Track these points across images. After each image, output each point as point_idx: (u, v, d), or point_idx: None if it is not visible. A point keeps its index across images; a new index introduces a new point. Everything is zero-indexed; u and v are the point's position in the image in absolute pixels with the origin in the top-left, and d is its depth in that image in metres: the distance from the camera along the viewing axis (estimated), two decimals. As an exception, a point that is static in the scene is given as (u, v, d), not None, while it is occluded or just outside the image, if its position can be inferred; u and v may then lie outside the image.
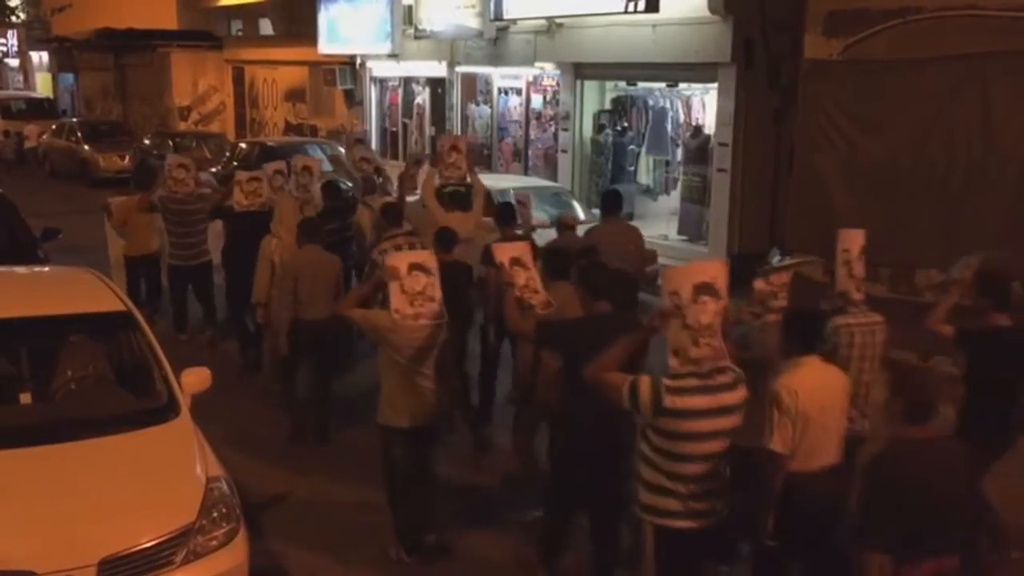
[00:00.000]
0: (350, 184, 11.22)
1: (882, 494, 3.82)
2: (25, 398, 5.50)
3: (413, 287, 5.43)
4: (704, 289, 4.12)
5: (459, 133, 20.04)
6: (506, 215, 7.87)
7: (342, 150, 16.88)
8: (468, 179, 9.01)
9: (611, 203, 8.35)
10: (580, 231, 8.45)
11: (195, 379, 5.53)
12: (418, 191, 9.65)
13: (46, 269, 8.05)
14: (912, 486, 3.79)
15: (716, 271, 4.23)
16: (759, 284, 5.79)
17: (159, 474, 4.89)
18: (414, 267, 5.47)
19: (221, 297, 9.82)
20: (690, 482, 4.21)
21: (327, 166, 14.23)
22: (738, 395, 4.22)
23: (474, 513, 6.48)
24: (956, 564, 3.90)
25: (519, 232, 7.90)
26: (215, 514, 4.72)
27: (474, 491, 6.84)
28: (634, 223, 14.01)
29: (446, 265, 6.06)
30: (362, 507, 6.60)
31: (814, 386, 4.48)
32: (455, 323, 6.03)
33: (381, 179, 10.61)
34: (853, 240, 5.81)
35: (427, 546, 5.86)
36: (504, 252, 5.83)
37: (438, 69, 20.38)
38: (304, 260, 7.40)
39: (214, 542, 4.65)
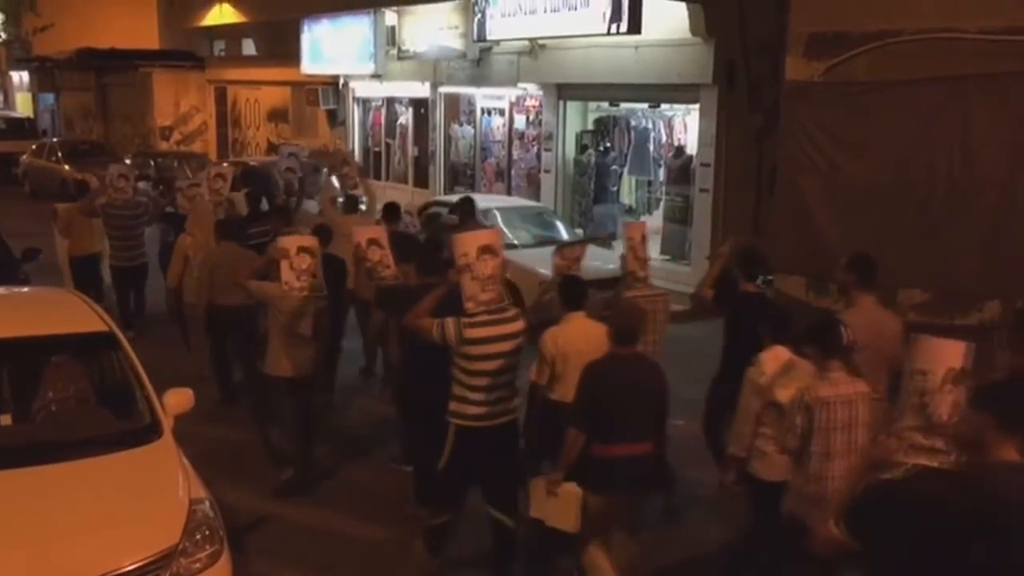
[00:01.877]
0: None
1: (586, 391, 5.16)
2: (5, 419, 5.44)
3: (300, 265, 6.85)
4: (486, 250, 5.48)
5: (442, 154, 20.14)
6: (390, 215, 9.08)
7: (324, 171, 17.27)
8: (360, 188, 10.96)
9: (468, 208, 9.76)
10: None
11: (178, 400, 5.47)
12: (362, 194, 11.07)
13: (27, 290, 7.99)
14: (607, 388, 5.11)
15: (493, 236, 5.76)
16: (556, 259, 7.22)
17: (141, 496, 4.83)
18: (302, 249, 6.88)
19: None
20: (483, 391, 5.46)
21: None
22: (518, 326, 5.56)
23: (350, 450, 7.83)
24: (647, 448, 5.19)
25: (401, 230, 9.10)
26: (198, 536, 4.67)
27: (350, 433, 8.24)
28: (617, 243, 14.13)
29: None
30: (346, 529, 6.57)
31: (573, 335, 5.69)
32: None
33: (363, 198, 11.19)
34: (636, 230, 7.21)
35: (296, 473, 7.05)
36: (362, 233, 7.41)
37: (421, 89, 20.45)
38: (221, 254, 8.41)
39: (197, 564, 4.58)
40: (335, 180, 11.63)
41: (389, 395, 8.08)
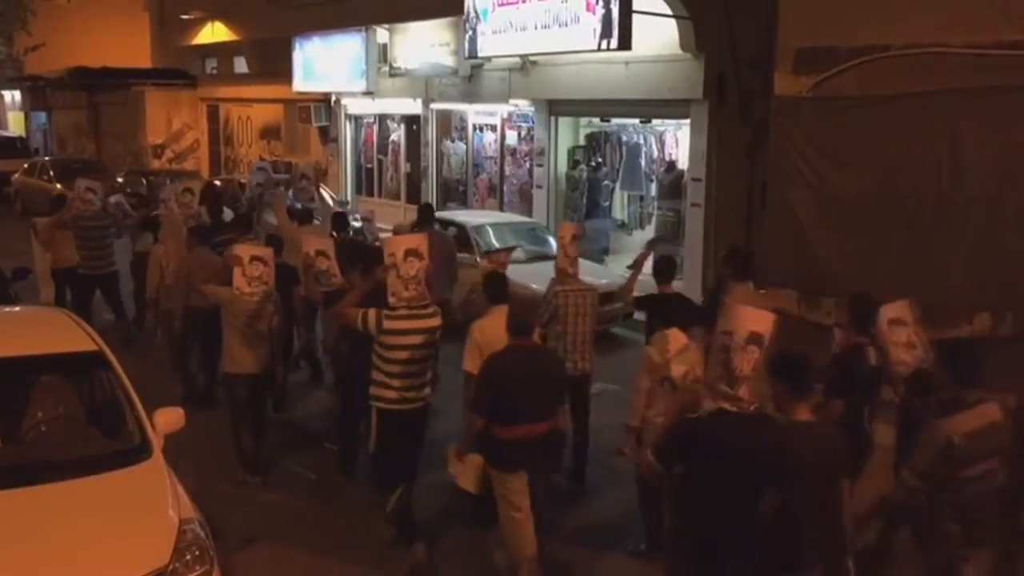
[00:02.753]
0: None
1: (484, 380, 5.63)
2: (-6, 440, 5.41)
3: (252, 272, 7.31)
4: (412, 252, 6.12)
5: (434, 170, 20.18)
6: (338, 223, 9.87)
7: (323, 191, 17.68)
8: (315, 200, 11.90)
9: (426, 215, 10.62)
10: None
11: (168, 419, 5.46)
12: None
13: (17, 309, 7.96)
14: (505, 376, 5.52)
15: (420, 241, 6.29)
16: (484, 262, 7.96)
17: (131, 517, 4.81)
18: (255, 258, 7.38)
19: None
20: (398, 378, 6.11)
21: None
22: (434, 322, 6.25)
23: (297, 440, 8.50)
24: (545, 429, 5.59)
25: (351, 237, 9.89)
26: (188, 556, 4.64)
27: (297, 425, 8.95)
28: (609, 258, 14.14)
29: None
30: (338, 548, 6.54)
31: (498, 325, 5.91)
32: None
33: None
34: (567, 230, 7.84)
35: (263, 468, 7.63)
36: (311, 244, 8.14)
37: (413, 106, 20.49)
38: (194, 259, 8.89)
39: (187, 585, 4.57)
40: (291, 193, 12.41)
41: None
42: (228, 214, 12.26)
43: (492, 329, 6.10)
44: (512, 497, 5.62)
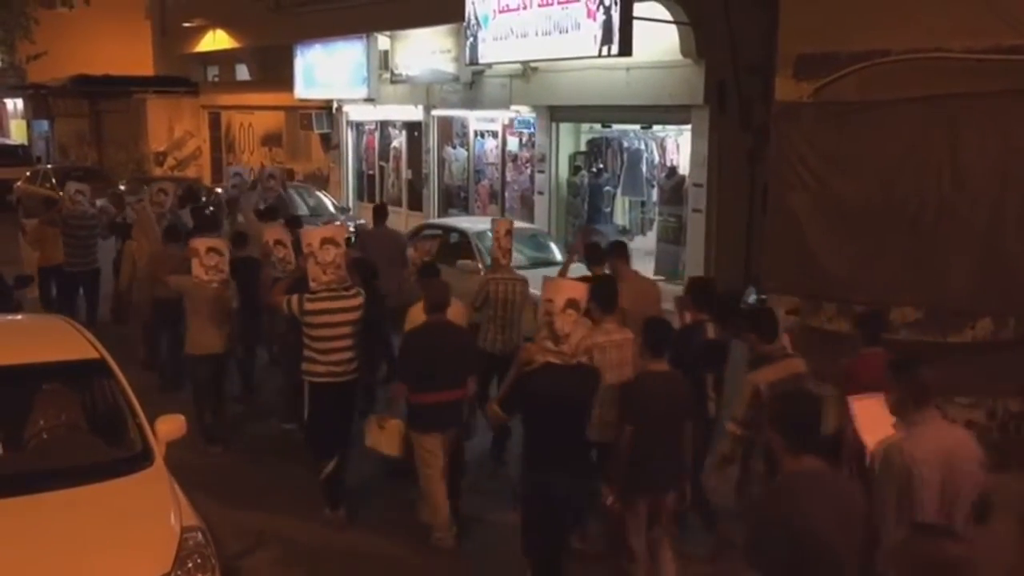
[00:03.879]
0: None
1: (404, 352, 6.53)
2: (-4, 448, 5.42)
3: (208, 262, 8.15)
4: (328, 241, 6.81)
5: (436, 176, 20.21)
6: (293, 223, 10.40)
7: (320, 194, 18.06)
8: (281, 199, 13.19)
9: (380, 214, 11.61)
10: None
11: (170, 427, 5.47)
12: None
13: (19, 317, 7.98)
14: (421, 349, 6.38)
15: (335, 231, 7.06)
16: (410, 252, 9.02)
17: (133, 524, 4.82)
18: (211, 249, 8.21)
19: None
20: (324, 353, 6.82)
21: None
22: (355, 302, 6.95)
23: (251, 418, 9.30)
24: (457, 395, 6.33)
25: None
26: (190, 564, 4.65)
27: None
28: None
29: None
30: (342, 555, 6.53)
31: (434, 328, 6.52)
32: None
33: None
34: (502, 226, 8.71)
35: (222, 438, 8.43)
36: (270, 234, 8.84)
37: (414, 113, 20.53)
38: (165, 256, 9.61)
39: (189, 593, 4.57)
40: (259, 192, 13.54)
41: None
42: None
43: (416, 313, 6.97)
44: (428, 456, 6.46)
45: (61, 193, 13.61)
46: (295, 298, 6.80)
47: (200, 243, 8.33)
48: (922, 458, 4.21)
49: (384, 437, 6.72)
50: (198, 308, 8.25)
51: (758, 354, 5.91)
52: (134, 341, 10.62)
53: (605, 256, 7.97)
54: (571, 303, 5.36)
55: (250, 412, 9.48)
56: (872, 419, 4.85)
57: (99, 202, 13.25)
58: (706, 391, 6.34)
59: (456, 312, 7.04)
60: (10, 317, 7.80)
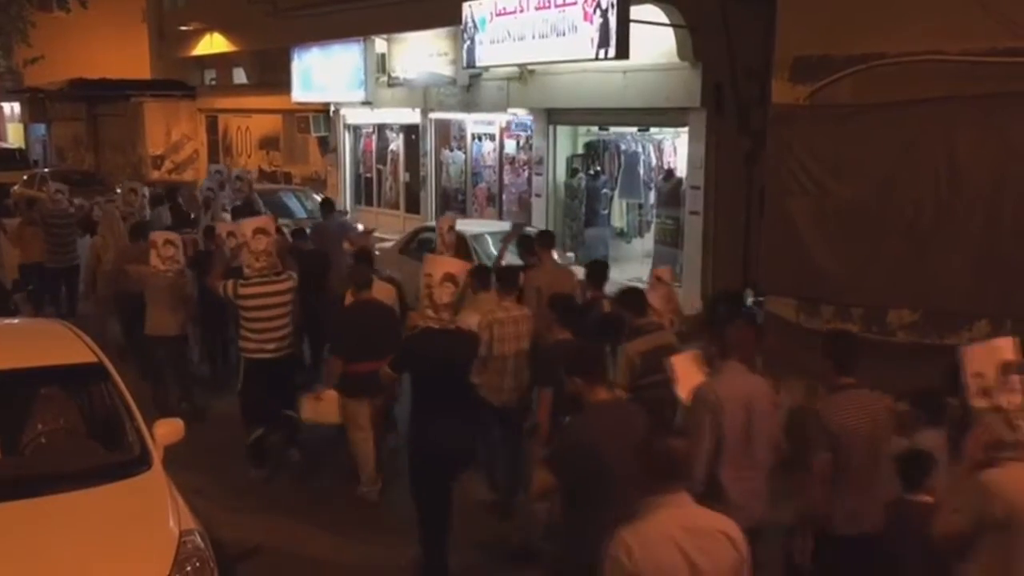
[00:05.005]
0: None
1: (336, 327, 7.48)
2: (-6, 453, 5.42)
3: (165, 253, 8.95)
4: (259, 231, 7.57)
5: (433, 179, 20.23)
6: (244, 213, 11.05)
7: (317, 197, 18.13)
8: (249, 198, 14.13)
9: (328, 207, 12.42)
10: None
11: (168, 430, 5.47)
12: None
13: (17, 321, 7.98)
14: (350, 323, 7.25)
15: (266, 221, 7.89)
16: (345, 244, 10.38)
17: (131, 528, 4.81)
18: (167, 241, 9.08)
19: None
20: (257, 332, 7.61)
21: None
22: (285, 286, 7.70)
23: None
24: (379, 365, 6.44)
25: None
26: (189, 568, 4.64)
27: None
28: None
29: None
30: (338, 556, 6.54)
31: (360, 305, 7.41)
32: None
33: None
34: (445, 222, 9.86)
35: (190, 410, 8.80)
36: (223, 227, 9.72)
37: (412, 116, 20.53)
38: (131, 251, 10.21)
39: (188, 597, 4.57)
40: (228, 191, 14.52)
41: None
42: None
43: (351, 306, 7.60)
44: (358, 419, 7.26)
45: (42, 192, 14.35)
46: (230, 284, 7.57)
47: (158, 236, 9.27)
48: (726, 396, 4.95)
49: (322, 408, 7.36)
50: (155, 295, 9.01)
51: (633, 328, 6.56)
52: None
53: (533, 245, 8.91)
54: (448, 277, 6.12)
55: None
56: (686, 371, 5.56)
57: (77, 200, 14.28)
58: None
59: (385, 292, 7.97)
60: (8, 321, 7.80)
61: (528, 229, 11.06)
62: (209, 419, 8.97)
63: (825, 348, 5.21)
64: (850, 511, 4.90)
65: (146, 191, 14.24)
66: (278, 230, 12.41)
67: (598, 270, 7.95)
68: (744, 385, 5.05)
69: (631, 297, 6.89)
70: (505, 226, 15.07)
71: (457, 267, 6.37)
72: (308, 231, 11.28)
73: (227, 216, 12.62)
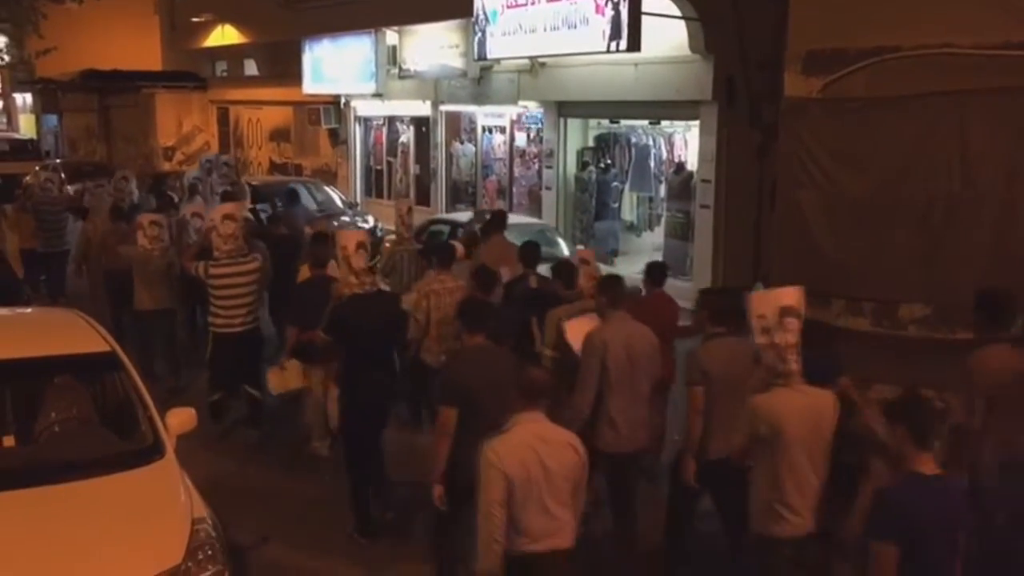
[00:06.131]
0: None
1: (293, 300, 8.06)
2: (8, 441, 5.48)
3: (151, 233, 9.61)
4: (228, 216, 8.30)
5: (443, 171, 20.23)
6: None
7: (328, 189, 18.34)
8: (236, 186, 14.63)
9: (293, 198, 13.49)
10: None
11: (180, 420, 5.51)
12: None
13: (30, 310, 8.03)
14: (306, 297, 7.65)
15: (234, 208, 8.76)
16: (308, 229, 10.94)
17: (144, 516, 4.85)
18: (153, 223, 9.72)
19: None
20: (225, 309, 8.29)
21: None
22: (251, 267, 8.38)
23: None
24: (316, 336, 7.10)
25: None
26: (201, 556, 4.68)
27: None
28: (618, 259, 14.13)
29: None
30: (349, 548, 6.57)
31: (314, 280, 7.96)
32: None
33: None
34: (404, 205, 10.96)
35: (174, 387, 9.65)
36: (191, 208, 10.64)
37: (422, 108, 20.54)
38: (114, 231, 10.82)
39: (200, 584, 4.60)
40: (215, 177, 15.05)
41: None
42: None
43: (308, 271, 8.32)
44: (311, 382, 7.89)
45: (28, 178, 15.20)
46: (201, 265, 8.26)
47: (145, 218, 9.95)
48: (610, 339, 5.98)
49: (287, 375, 7.90)
50: (141, 272, 9.70)
51: (562, 298, 7.35)
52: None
53: (489, 226, 10.02)
54: (360, 245, 6.95)
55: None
56: (578, 329, 6.48)
57: (69, 188, 15.26)
58: (531, 329, 7.48)
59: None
60: (21, 310, 7.85)
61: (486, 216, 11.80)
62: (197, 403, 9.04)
63: (703, 302, 6.33)
64: (720, 439, 5.56)
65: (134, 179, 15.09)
66: (255, 213, 13.29)
67: (531, 250, 8.69)
68: (626, 329, 6.08)
69: (564, 269, 7.79)
70: (517, 219, 15.13)
71: (364, 235, 7.28)
72: (278, 216, 12.26)
73: (217, 200, 12.98)
